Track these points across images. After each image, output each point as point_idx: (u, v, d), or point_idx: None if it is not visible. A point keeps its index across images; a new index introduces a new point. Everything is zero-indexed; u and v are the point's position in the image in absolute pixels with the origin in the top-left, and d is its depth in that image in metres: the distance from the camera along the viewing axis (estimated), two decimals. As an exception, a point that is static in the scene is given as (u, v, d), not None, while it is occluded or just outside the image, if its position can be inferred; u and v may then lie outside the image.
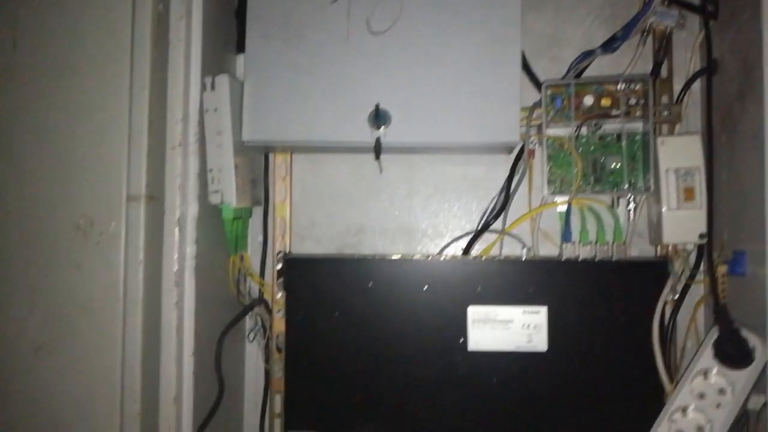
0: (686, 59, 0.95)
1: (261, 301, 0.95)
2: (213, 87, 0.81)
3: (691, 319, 0.92)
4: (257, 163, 0.96)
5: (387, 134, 0.85)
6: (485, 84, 0.85)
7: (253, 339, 0.99)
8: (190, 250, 0.76)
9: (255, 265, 0.98)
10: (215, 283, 0.87)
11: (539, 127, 0.92)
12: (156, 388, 0.74)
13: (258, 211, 0.98)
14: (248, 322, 0.99)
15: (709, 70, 0.89)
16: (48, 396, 0.71)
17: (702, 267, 0.90)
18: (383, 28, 0.84)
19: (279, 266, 0.90)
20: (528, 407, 0.90)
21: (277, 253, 0.92)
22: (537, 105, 0.93)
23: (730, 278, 0.84)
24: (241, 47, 0.88)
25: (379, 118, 0.84)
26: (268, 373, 0.98)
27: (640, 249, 0.96)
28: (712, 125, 0.86)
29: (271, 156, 0.99)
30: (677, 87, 0.95)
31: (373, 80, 0.85)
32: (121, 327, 0.71)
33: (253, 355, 1.01)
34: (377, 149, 0.84)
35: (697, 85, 0.94)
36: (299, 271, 0.91)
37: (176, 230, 0.75)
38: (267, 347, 0.97)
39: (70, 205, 0.71)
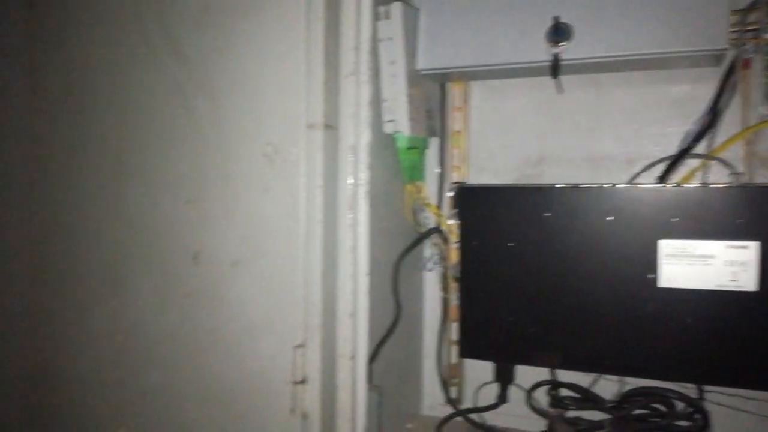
0: None
1: (437, 230, 0.96)
2: (387, 16, 0.81)
3: None
4: (433, 93, 0.95)
5: (568, 50, 0.78)
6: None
7: (432, 268, 1.01)
8: (363, 176, 0.78)
9: (433, 196, 0.99)
10: (392, 211, 0.90)
11: (756, 32, 0.78)
12: (334, 303, 0.80)
13: (435, 143, 0.98)
14: (427, 251, 1.01)
15: None
16: (245, 306, 0.80)
17: None
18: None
19: (450, 195, 0.90)
20: (729, 351, 0.79)
21: (453, 183, 0.91)
22: (754, 4, 0.78)
23: None
24: (414, -25, 0.87)
25: (558, 33, 0.77)
26: (445, 302, 0.99)
27: None
28: None
29: (447, 86, 0.97)
30: None
31: (552, -9, 0.79)
32: (303, 246, 0.76)
33: (432, 283, 1.03)
34: (554, 67, 0.78)
35: None
36: (473, 201, 0.89)
37: (350, 157, 0.78)
38: (444, 276, 0.98)
39: (258, 134, 0.77)
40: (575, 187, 0.84)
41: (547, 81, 0.89)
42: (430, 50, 0.84)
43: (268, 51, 0.76)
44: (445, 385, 1.01)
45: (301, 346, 0.78)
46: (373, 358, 0.86)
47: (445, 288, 0.99)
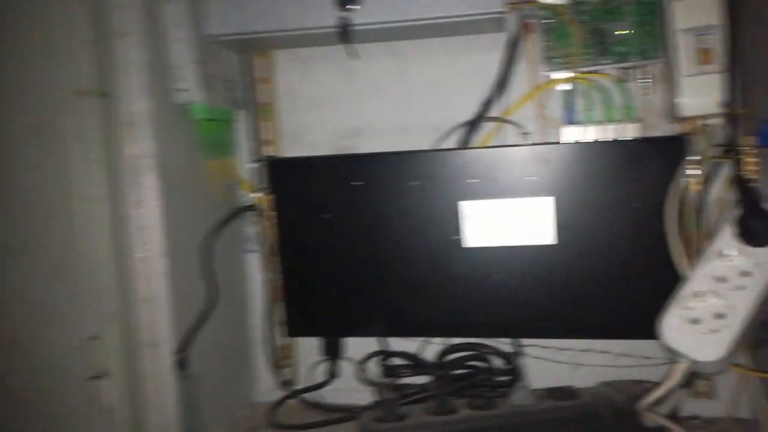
0: None
1: (251, 207, 0.93)
2: (168, -23, 0.77)
3: (720, 201, 0.81)
4: (232, 62, 0.91)
5: (358, 15, 0.78)
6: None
7: (253, 248, 0.98)
8: (149, 148, 0.73)
9: (247, 172, 0.96)
10: (198, 188, 0.86)
11: (534, -4, 0.83)
12: (130, 289, 0.74)
13: (246, 116, 0.95)
14: (247, 230, 0.97)
15: None
16: (30, 298, 0.73)
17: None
18: None
19: (255, 166, 0.87)
20: (538, 304, 0.84)
21: (261, 157, 0.89)
22: (528, -32, 0.83)
23: (764, 151, 0.73)
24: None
25: (344, -4, 0.77)
26: (270, 282, 0.96)
27: (660, 130, 0.85)
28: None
29: (250, 55, 0.94)
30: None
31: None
32: (88, 228, 0.71)
33: (256, 264, 1.00)
34: (343, 33, 0.78)
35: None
36: (283, 174, 0.88)
37: (130, 127, 0.73)
38: (266, 255, 0.95)
39: (24, 106, 0.70)
40: (379, 155, 0.85)
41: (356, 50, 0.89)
42: (221, 15, 0.81)
43: (23, 10, 0.69)
44: (278, 368, 0.99)
45: (95, 337, 0.72)
46: (185, 345, 0.81)
47: (268, 267, 0.96)
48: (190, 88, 0.79)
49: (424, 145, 0.93)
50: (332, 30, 0.79)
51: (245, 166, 0.95)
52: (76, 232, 0.70)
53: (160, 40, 0.77)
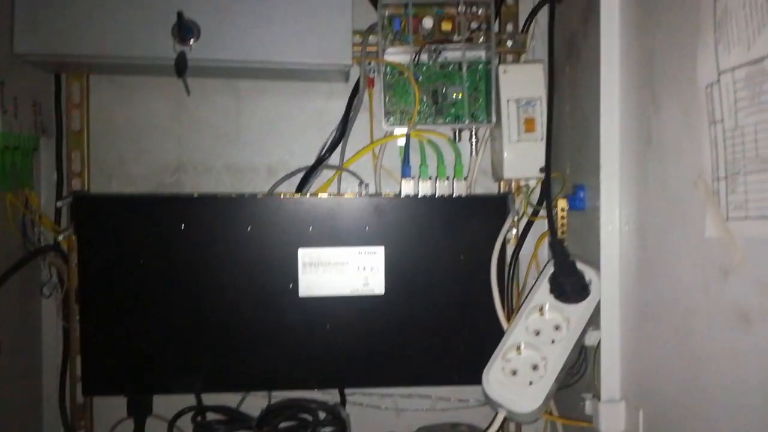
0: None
1: (53, 248, 0.81)
2: (-36, -20, 0.65)
3: (533, 257, 0.89)
4: (41, 84, 0.80)
5: (196, 50, 0.73)
6: (311, -6, 0.75)
7: (51, 294, 0.85)
8: None
9: (50, 207, 0.83)
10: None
11: (376, 53, 0.84)
12: None
13: (50, 144, 0.83)
14: (44, 274, 0.84)
15: (552, -2, 0.84)
16: None
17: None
18: None
19: (60, 204, 0.76)
20: (365, 353, 0.83)
21: (70, 193, 0.78)
22: (374, 28, 0.84)
23: (571, 213, 0.81)
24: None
25: (183, 29, 0.71)
26: (67, 332, 0.84)
27: (485, 187, 0.91)
28: (555, 52, 0.82)
29: (63, 78, 0.83)
30: (524, 16, 0.89)
31: (178, -16, 0.73)
32: None
33: (52, 312, 0.87)
34: (179, 65, 0.72)
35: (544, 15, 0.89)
36: (94, 213, 0.77)
37: None
38: (66, 302, 0.83)
39: None
40: (212, 197, 0.79)
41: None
42: (30, 31, 0.70)
43: None
44: (71, 429, 0.86)
45: None
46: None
47: (66, 316, 0.84)
48: (-17, 110, 0.67)
49: (257, 188, 0.89)
50: (164, 61, 0.73)
51: (49, 201, 0.83)
52: None
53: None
